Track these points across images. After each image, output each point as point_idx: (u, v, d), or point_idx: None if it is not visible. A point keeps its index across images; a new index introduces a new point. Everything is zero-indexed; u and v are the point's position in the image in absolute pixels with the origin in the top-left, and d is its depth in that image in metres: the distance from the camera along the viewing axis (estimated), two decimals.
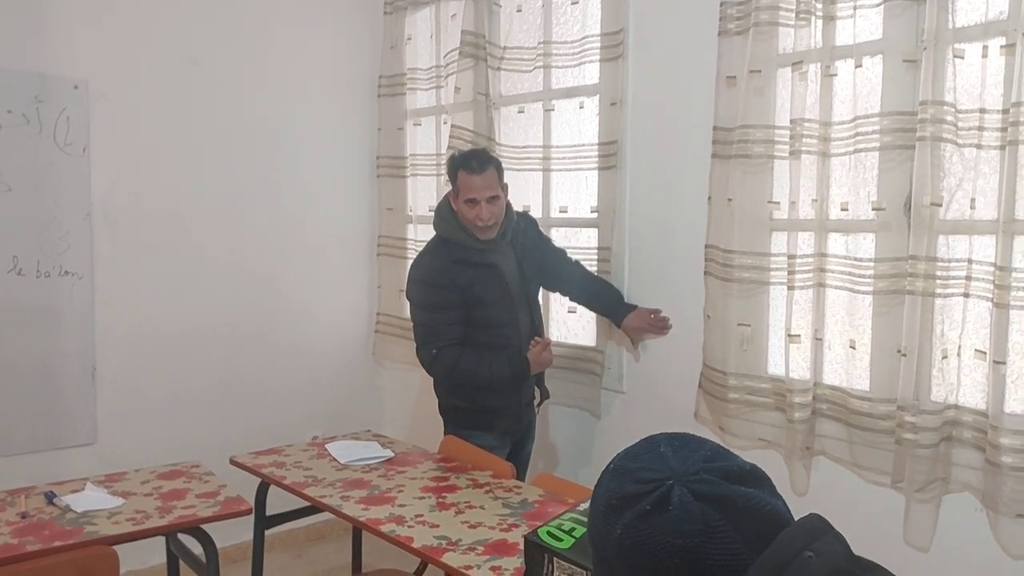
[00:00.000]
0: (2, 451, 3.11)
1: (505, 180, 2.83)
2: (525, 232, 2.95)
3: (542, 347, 2.81)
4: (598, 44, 3.00)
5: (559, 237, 3.31)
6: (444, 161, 3.49)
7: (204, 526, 2.29)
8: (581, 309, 3.14)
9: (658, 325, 2.89)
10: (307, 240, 3.88)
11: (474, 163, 2.72)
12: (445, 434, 2.93)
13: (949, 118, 2.10)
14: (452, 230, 2.79)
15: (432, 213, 3.67)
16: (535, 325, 2.94)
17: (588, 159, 3.10)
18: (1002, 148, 2.02)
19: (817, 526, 0.85)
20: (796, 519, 0.87)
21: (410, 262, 3.86)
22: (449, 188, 2.84)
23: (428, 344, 2.79)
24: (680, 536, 0.82)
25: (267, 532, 2.82)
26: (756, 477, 0.88)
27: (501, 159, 3.32)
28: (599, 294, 3.00)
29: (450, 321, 2.76)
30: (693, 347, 2.76)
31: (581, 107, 3.17)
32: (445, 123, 3.61)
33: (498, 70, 3.38)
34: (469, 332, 2.78)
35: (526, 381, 2.86)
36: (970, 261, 2.12)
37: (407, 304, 3.88)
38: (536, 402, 3.00)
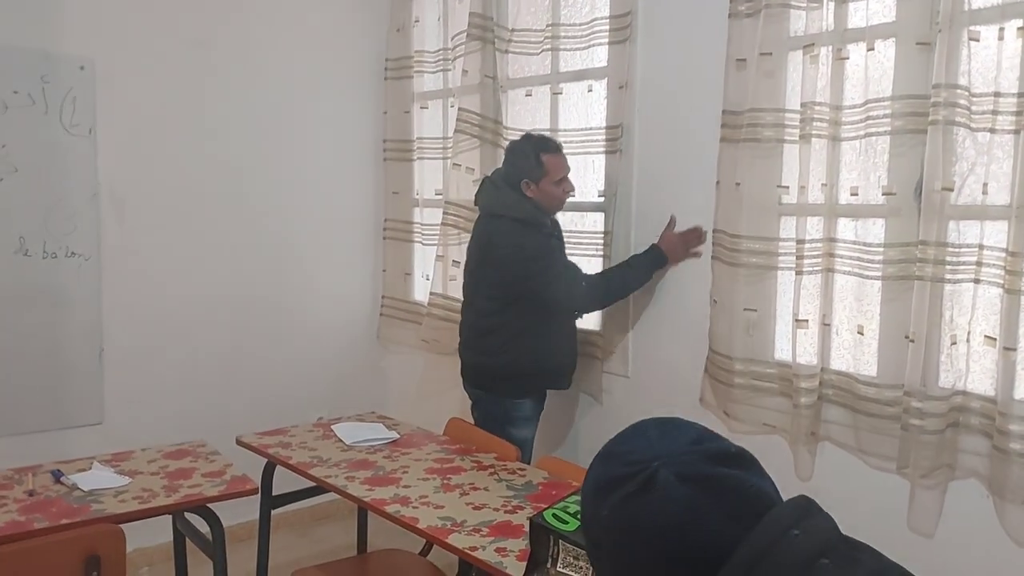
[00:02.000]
0: (10, 430, 3.13)
1: None
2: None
3: (673, 227, 2.85)
4: (607, 26, 2.97)
5: (566, 221, 3.29)
6: (451, 144, 3.49)
7: (210, 505, 2.29)
8: None
9: (691, 238, 2.82)
10: (313, 223, 3.88)
11: (553, 145, 2.88)
12: (475, 405, 2.98)
13: (963, 102, 2.08)
14: (532, 213, 2.84)
15: (439, 196, 3.70)
16: None
17: (596, 143, 3.08)
18: (1017, 132, 2.00)
19: (805, 505, 0.86)
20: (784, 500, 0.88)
21: (416, 245, 3.88)
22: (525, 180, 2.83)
23: (575, 283, 2.85)
24: (664, 516, 0.83)
25: (273, 511, 2.83)
26: (743, 459, 0.89)
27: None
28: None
29: (569, 262, 2.91)
30: (699, 332, 2.75)
31: (589, 90, 3.15)
32: (452, 106, 3.60)
33: (506, 53, 3.35)
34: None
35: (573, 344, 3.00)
36: (981, 247, 2.10)
37: (415, 287, 3.92)
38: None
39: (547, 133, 3.12)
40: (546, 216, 2.90)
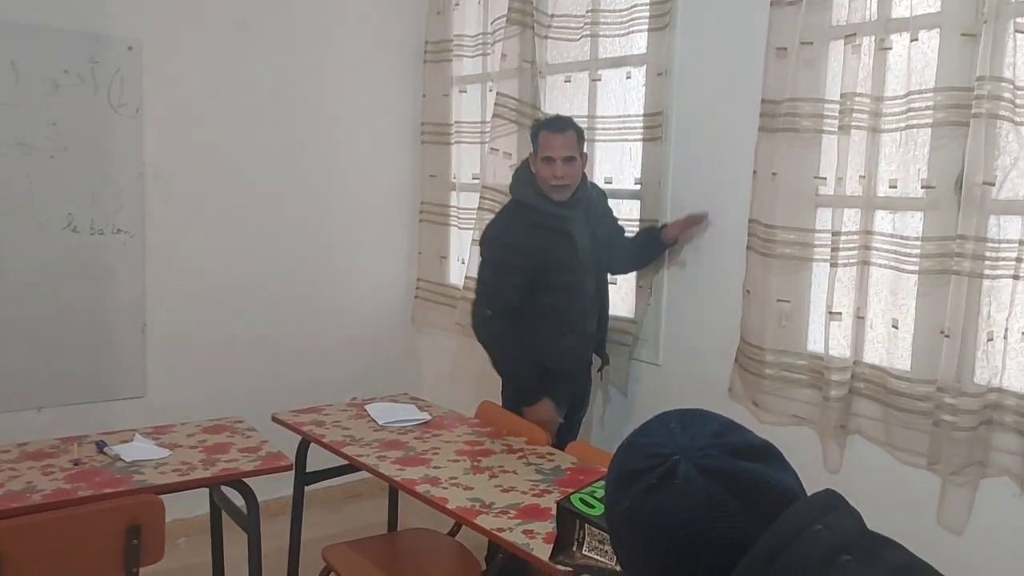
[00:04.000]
0: (57, 401, 3.24)
1: (586, 151, 2.87)
2: (597, 202, 2.99)
3: (552, 417, 2.84)
4: (647, 13, 2.96)
5: None
6: (488, 128, 3.52)
7: (246, 480, 2.36)
8: (620, 280, 3.14)
9: (693, 219, 2.86)
10: (351, 204, 3.93)
11: (557, 124, 2.82)
12: (504, 397, 2.99)
13: (1007, 95, 2.04)
14: (530, 194, 2.84)
15: (476, 180, 3.72)
16: (600, 293, 2.98)
17: (633, 130, 3.08)
18: None
19: (829, 501, 0.85)
20: (809, 494, 0.87)
21: (452, 229, 3.91)
22: (531, 153, 2.87)
23: (484, 303, 2.85)
24: (683, 509, 0.83)
25: (306, 488, 2.89)
26: (766, 452, 0.88)
27: None
28: (642, 245, 3.00)
29: (512, 286, 2.80)
30: (731, 322, 2.75)
31: (628, 77, 3.14)
32: (491, 91, 3.61)
33: (545, 38, 3.35)
34: (537, 295, 2.82)
35: (578, 346, 2.91)
36: (1022, 242, 2.07)
37: (450, 270, 3.96)
38: (597, 368, 3.06)
39: (582, 118, 3.11)
40: (547, 201, 2.79)
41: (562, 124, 2.81)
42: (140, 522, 2.04)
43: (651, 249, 2.98)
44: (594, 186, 3.04)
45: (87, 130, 3.22)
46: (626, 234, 3.07)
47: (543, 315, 2.83)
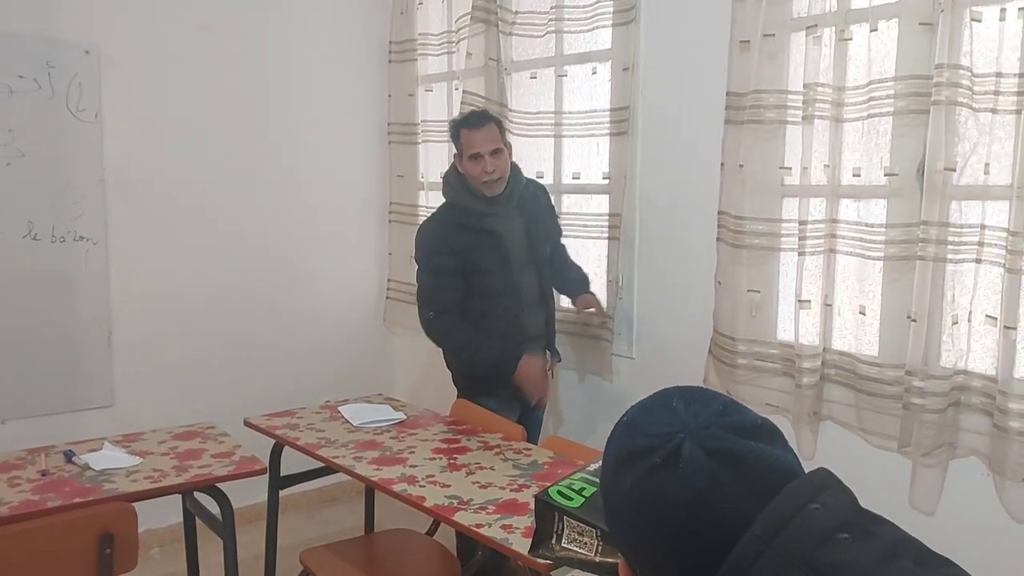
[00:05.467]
0: (22, 413, 3.17)
1: (509, 140, 2.84)
2: (535, 198, 2.95)
3: (542, 371, 2.83)
4: (611, 8, 2.97)
5: (571, 203, 3.31)
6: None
7: (219, 485, 2.33)
8: (591, 275, 3.15)
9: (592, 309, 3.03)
10: (319, 207, 3.89)
11: (474, 120, 2.79)
12: (458, 387, 2.99)
13: (965, 82, 2.08)
14: (458, 194, 2.82)
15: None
16: (543, 290, 2.94)
17: (600, 125, 3.09)
18: (1018, 112, 2.01)
19: (824, 479, 0.85)
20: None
21: None
22: (456, 154, 2.85)
23: (425, 307, 2.86)
24: (688, 490, 0.82)
25: (281, 494, 2.86)
26: (767, 432, 0.87)
27: (513, 125, 3.32)
28: (567, 278, 3.09)
29: (449, 287, 2.79)
30: (703, 313, 2.77)
31: (594, 73, 3.15)
32: (457, 89, 3.60)
33: (510, 35, 3.36)
34: (466, 298, 2.80)
35: (525, 347, 2.86)
36: (983, 227, 2.11)
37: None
38: (547, 367, 3.02)
39: (549, 114, 3.11)
40: (476, 199, 2.77)
41: (480, 119, 2.79)
42: (112, 531, 2.01)
43: (569, 289, 3.08)
44: (534, 183, 3.00)
45: (45, 136, 3.15)
46: (562, 245, 3.12)
47: (471, 319, 2.83)
